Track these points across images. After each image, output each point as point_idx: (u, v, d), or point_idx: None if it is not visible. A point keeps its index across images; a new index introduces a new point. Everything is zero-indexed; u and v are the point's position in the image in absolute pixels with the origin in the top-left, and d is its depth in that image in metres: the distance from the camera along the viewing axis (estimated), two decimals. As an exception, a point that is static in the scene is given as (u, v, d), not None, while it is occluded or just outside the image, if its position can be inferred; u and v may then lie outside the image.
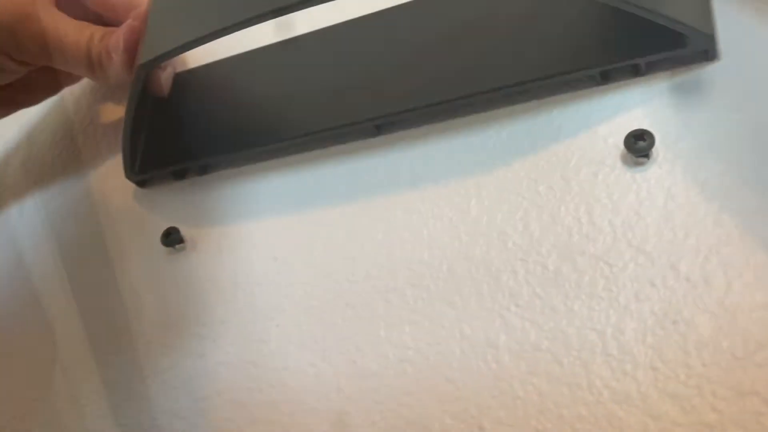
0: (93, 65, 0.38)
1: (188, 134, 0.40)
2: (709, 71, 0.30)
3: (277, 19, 0.31)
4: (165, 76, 0.40)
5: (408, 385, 0.29)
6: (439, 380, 0.29)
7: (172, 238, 0.37)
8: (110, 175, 0.42)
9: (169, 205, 0.39)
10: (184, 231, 0.37)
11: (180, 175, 0.40)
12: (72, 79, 0.44)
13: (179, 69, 0.42)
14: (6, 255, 0.42)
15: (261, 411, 0.31)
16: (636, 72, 0.31)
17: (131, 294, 0.37)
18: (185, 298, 0.35)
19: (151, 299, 0.36)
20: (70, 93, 0.48)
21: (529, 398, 0.27)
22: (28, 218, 0.43)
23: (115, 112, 0.45)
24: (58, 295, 0.39)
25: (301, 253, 0.34)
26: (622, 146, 0.29)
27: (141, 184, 0.40)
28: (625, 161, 0.30)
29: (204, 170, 0.39)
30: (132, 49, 0.37)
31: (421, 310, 0.31)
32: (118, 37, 0.37)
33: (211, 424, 0.32)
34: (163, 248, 0.37)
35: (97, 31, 0.38)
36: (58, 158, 0.45)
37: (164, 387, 0.34)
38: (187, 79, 0.42)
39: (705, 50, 0.30)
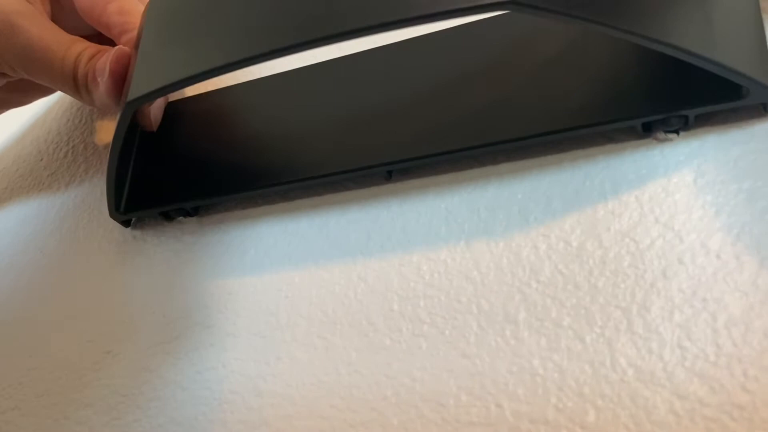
0: (78, 87, 0.35)
1: (180, 172, 0.36)
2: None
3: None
4: (155, 109, 0.37)
5: (422, 360, 0.28)
6: (455, 356, 0.28)
7: None
8: (96, 206, 0.40)
9: (156, 249, 0.36)
10: (171, 280, 0.35)
11: (170, 216, 0.37)
12: None
13: (172, 98, 0.40)
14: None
15: (266, 384, 0.30)
16: (683, 124, 0.28)
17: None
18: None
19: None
20: (64, 100, 0.46)
21: (549, 375, 0.26)
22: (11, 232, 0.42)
23: (111, 130, 0.43)
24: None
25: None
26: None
27: (126, 223, 0.38)
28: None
29: (196, 212, 0.36)
30: (119, 76, 0.34)
31: (437, 284, 0.30)
32: (104, 61, 0.34)
33: (215, 396, 0.31)
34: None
35: (88, 49, 0.35)
36: (47, 176, 0.43)
37: (168, 357, 0.33)
38: (180, 109, 0.38)
39: (764, 103, 0.27)
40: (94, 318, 0.36)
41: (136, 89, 0.31)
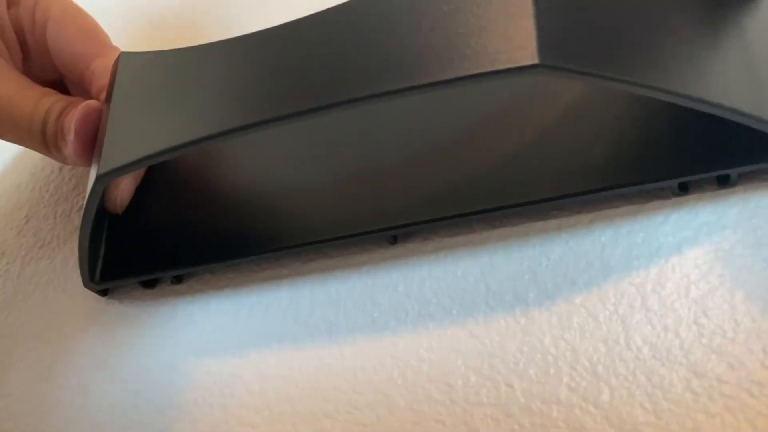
0: (48, 145, 0.32)
1: (159, 238, 0.33)
2: None
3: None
4: (123, 190, 0.33)
5: (429, 341, 0.28)
6: (463, 336, 0.27)
7: None
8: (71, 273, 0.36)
9: (137, 320, 0.33)
10: (154, 357, 0.32)
11: (150, 284, 0.33)
12: None
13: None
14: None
15: (268, 366, 0.29)
16: (724, 182, 0.25)
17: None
18: None
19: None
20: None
21: (561, 355, 0.25)
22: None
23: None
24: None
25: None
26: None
27: (104, 292, 0.34)
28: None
29: (179, 279, 0.33)
30: (85, 135, 0.30)
31: (442, 262, 0.29)
32: (70, 119, 0.31)
33: (215, 380, 0.30)
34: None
35: (57, 103, 0.32)
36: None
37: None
38: (158, 168, 0.34)
39: None
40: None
41: (106, 163, 0.28)
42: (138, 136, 0.27)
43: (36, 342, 0.35)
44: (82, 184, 0.39)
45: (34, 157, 0.41)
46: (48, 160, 0.41)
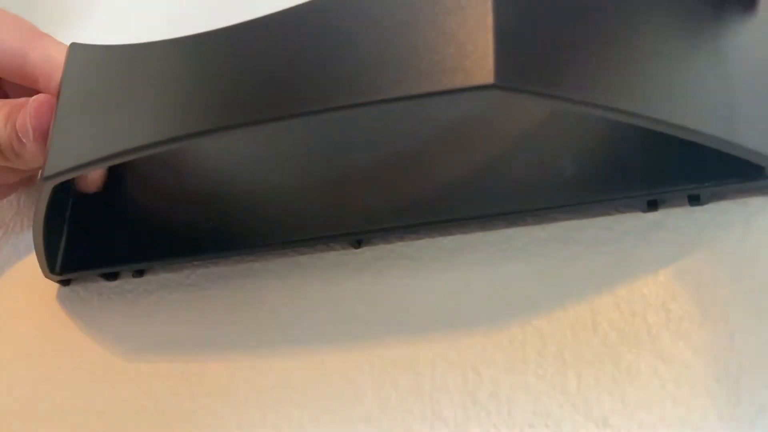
0: (5, 155, 0.30)
1: (122, 231, 0.32)
2: None
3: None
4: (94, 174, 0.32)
5: (395, 327, 0.27)
6: (429, 322, 0.27)
7: None
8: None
9: (99, 312, 0.32)
10: (113, 349, 0.31)
11: (112, 277, 0.32)
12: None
13: None
14: None
15: (235, 356, 0.29)
16: (695, 201, 0.25)
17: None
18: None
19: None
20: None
21: (528, 340, 0.25)
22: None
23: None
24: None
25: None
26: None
27: (65, 283, 0.33)
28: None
29: (140, 273, 0.32)
30: (45, 131, 0.28)
31: (409, 254, 0.28)
32: (24, 120, 0.29)
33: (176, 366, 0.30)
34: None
35: (1, 109, 0.30)
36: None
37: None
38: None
39: None
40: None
41: (53, 164, 0.26)
42: (87, 136, 0.26)
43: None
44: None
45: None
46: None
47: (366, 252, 0.29)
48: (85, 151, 0.26)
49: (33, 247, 0.34)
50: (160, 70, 0.26)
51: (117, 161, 0.25)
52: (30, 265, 0.35)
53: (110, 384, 0.31)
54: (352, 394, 0.26)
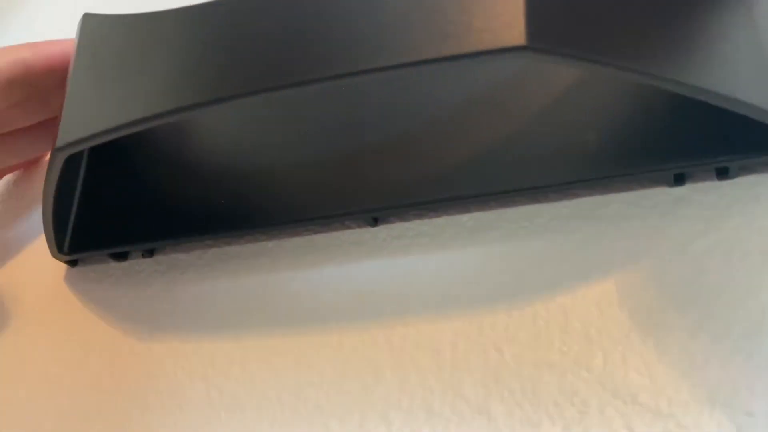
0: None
1: (132, 210, 0.31)
2: None
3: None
4: None
5: (414, 306, 0.27)
6: (449, 301, 0.26)
7: None
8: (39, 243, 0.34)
9: (108, 293, 0.32)
10: (125, 329, 0.31)
11: (121, 257, 0.32)
12: None
13: None
14: None
15: (249, 335, 0.28)
16: (723, 174, 0.24)
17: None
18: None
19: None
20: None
21: (552, 318, 0.25)
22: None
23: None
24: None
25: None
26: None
27: (73, 263, 0.33)
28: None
29: (150, 253, 0.32)
30: None
31: (427, 232, 0.28)
32: None
33: (189, 346, 0.29)
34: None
35: None
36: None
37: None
38: (131, 138, 0.30)
39: None
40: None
41: (65, 134, 0.26)
42: (98, 106, 0.26)
43: (7, 306, 0.34)
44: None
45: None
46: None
47: (383, 230, 0.28)
48: (96, 121, 0.25)
49: (39, 227, 0.33)
50: (170, 39, 0.25)
51: (128, 131, 0.25)
52: (37, 246, 0.35)
53: (122, 365, 0.30)
54: (370, 374, 0.26)
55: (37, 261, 0.34)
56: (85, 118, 0.26)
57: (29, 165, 0.37)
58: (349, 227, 0.29)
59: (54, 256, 0.32)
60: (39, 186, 0.36)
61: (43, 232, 0.31)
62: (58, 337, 0.32)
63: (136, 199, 0.32)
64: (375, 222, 0.28)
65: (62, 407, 0.30)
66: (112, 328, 0.31)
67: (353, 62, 0.21)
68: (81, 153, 0.32)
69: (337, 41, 0.22)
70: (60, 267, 0.33)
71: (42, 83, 0.30)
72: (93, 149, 0.32)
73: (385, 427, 0.25)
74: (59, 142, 0.26)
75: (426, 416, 0.24)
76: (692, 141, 0.24)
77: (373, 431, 0.25)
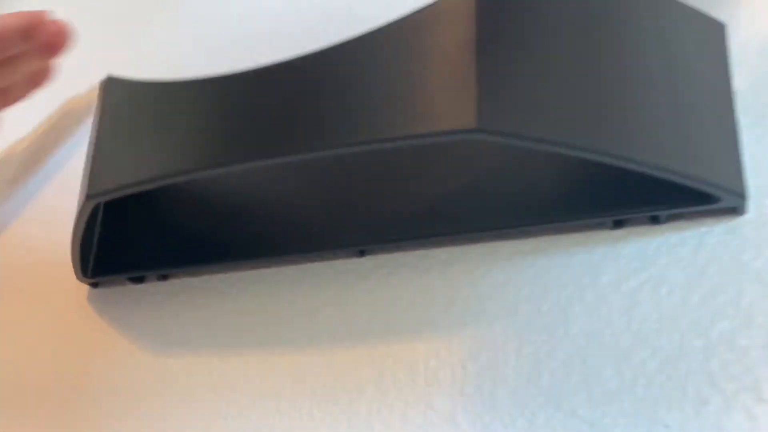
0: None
1: (148, 239, 0.36)
2: (737, 222, 0.28)
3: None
4: None
5: (394, 328, 0.31)
6: (424, 324, 0.31)
7: None
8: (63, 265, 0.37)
9: (126, 312, 0.36)
10: (141, 345, 0.35)
11: (138, 280, 0.36)
12: None
13: None
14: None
15: (252, 353, 0.33)
16: (655, 221, 0.28)
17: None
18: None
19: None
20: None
21: (509, 341, 0.29)
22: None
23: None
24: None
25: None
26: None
27: (95, 285, 0.37)
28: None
29: (165, 277, 0.36)
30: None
31: (408, 263, 0.32)
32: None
33: (200, 362, 0.33)
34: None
35: None
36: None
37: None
38: None
39: (734, 207, 0.27)
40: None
41: (95, 185, 0.31)
42: (123, 161, 0.30)
43: (30, 323, 0.38)
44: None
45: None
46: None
47: (369, 261, 0.33)
48: (123, 174, 0.29)
49: (63, 250, 0.38)
50: (187, 107, 0.29)
51: (150, 186, 0.29)
52: (62, 267, 0.39)
53: (138, 378, 0.35)
54: (355, 387, 0.30)
55: (63, 282, 0.38)
56: (112, 172, 0.30)
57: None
58: (339, 257, 0.33)
59: (78, 278, 0.36)
60: (64, 212, 0.40)
61: (70, 257, 0.36)
62: (81, 350, 0.37)
63: (152, 229, 0.36)
64: (362, 254, 0.33)
65: (84, 414, 0.34)
66: (129, 343, 0.36)
67: (338, 137, 0.25)
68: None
69: (325, 117, 0.26)
70: (83, 288, 0.38)
71: None
72: None
73: (367, 433, 0.29)
74: (90, 192, 0.30)
75: (401, 424, 0.29)
76: (630, 194, 0.28)
77: (358, 437, 0.29)
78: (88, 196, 0.30)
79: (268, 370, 0.32)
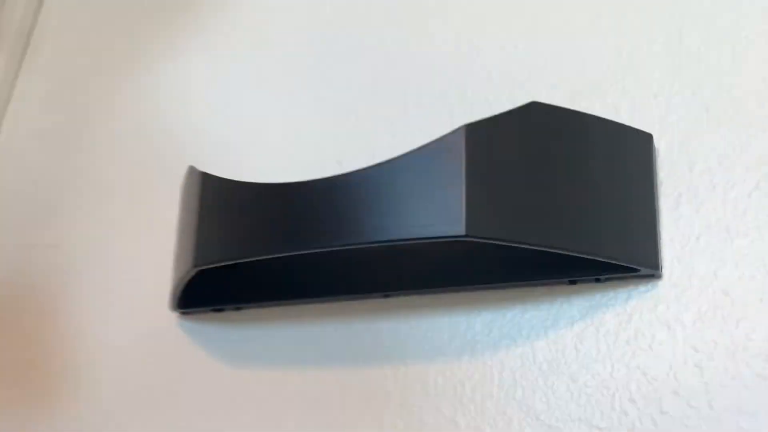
0: None
1: (225, 282, 0.47)
2: (655, 284, 0.39)
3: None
4: None
5: (410, 351, 0.43)
6: (432, 349, 0.42)
7: None
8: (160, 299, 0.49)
9: (204, 333, 0.49)
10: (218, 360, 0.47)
11: (218, 310, 0.48)
12: None
13: None
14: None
15: (308, 371, 0.45)
16: (598, 281, 0.40)
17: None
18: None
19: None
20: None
21: (495, 368, 0.41)
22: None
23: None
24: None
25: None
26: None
27: (184, 314, 0.49)
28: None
29: (239, 308, 0.48)
30: None
31: (422, 299, 0.44)
32: None
33: (265, 375, 0.45)
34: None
35: None
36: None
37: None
38: None
39: (652, 274, 0.39)
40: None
41: (201, 258, 0.42)
42: (219, 240, 0.42)
43: (133, 341, 0.51)
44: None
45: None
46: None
47: (392, 301, 0.45)
48: (217, 251, 0.42)
49: (161, 289, 0.50)
50: (260, 203, 0.41)
51: (237, 261, 0.41)
52: (159, 301, 0.51)
53: (215, 385, 0.47)
54: (383, 396, 0.42)
55: (160, 311, 0.50)
56: (211, 247, 0.42)
57: None
58: (370, 298, 0.45)
59: (172, 310, 0.49)
60: (156, 258, 0.52)
61: (159, 292, 0.48)
62: (171, 365, 0.49)
63: (229, 275, 0.48)
64: (386, 296, 0.44)
65: (174, 415, 0.47)
66: (210, 359, 0.48)
67: (364, 236, 0.37)
68: None
69: (362, 220, 0.38)
70: (174, 316, 0.50)
71: None
72: None
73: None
74: (197, 263, 0.42)
75: (419, 424, 0.41)
76: (582, 265, 0.39)
77: (386, 432, 0.41)
78: (195, 264, 0.42)
79: (320, 381, 0.44)
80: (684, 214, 0.40)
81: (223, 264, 0.42)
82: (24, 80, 0.65)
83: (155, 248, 0.51)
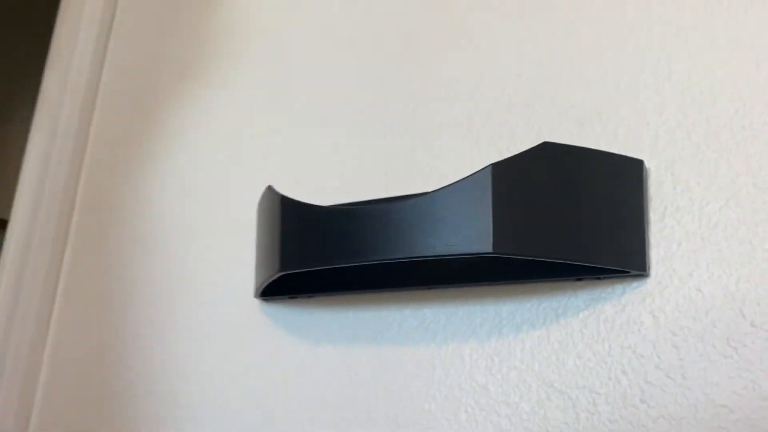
0: None
1: (299, 275, 0.58)
2: (644, 280, 0.50)
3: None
4: None
5: (439, 338, 0.54)
6: (462, 337, 0.54)
7: None
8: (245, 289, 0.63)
9: (283, 317, 0.61)
10: (294, 339, 0.59)
11: (293, 298, 0.61)
12: None
13: None
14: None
15: (361, 352, 0.57)
16: (599, 279, 0.51)
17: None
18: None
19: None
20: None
21: (492, 359, 0.52)
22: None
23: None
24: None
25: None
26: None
27: (265, 300, 0.62)
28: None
29: (311, 296, 0.61)
30: None
31: (456, 290, 0.55)
32: None
33: (337, 353, 0.57)
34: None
35: None
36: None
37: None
38: None
39: (640, 274, 0.50)
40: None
41: (285, 264, 0.53)
42: (296, 251, 0.53)
43: (221, 326, 0.63)
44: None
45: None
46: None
47: (433, 292, 0.56)
48: (298, 260, 0.53)
49: (247, 280, 0.61)
50: (326, 223, 0.52)
51: (314, 268, 0.52)
52: (245, 290, 0.63)
53: (292, 361, 0.59)
54: (416, 381, 0.54)
55: (245, 298, 0.62)
56: (293, 256, 0.53)
57: None
58: (415, 289, 0.56)
59: (256, 297, 0.60)
60: (241, 253, 0.64)
61: (251, 283, 0.59)
62: (254, 345, 0.61)
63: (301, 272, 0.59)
64: (429, 288, 0.55)
65: (257, 399, 0.59)
66: (287, 337, 0.60)
67: (415, 251, 0.48)
68: None
69: (402, 238, 0.48)
70: (257, 302, 0.61)
71: None
72: None
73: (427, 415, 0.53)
74: (282, 269, 0.53)
75: (458, 391, 0.52)
76: (585, 267, 0.50)
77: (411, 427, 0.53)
78: (282, 270, 0.53)
79: (376, 356, 0.56)
80: (668, 225, 0.50)
81: (303, 270, 0.53)
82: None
83: (237, 248, 0.63)
